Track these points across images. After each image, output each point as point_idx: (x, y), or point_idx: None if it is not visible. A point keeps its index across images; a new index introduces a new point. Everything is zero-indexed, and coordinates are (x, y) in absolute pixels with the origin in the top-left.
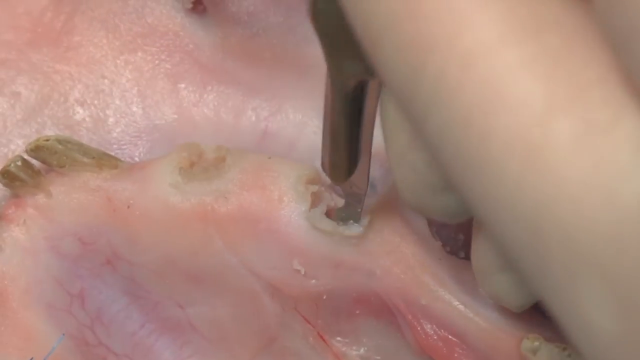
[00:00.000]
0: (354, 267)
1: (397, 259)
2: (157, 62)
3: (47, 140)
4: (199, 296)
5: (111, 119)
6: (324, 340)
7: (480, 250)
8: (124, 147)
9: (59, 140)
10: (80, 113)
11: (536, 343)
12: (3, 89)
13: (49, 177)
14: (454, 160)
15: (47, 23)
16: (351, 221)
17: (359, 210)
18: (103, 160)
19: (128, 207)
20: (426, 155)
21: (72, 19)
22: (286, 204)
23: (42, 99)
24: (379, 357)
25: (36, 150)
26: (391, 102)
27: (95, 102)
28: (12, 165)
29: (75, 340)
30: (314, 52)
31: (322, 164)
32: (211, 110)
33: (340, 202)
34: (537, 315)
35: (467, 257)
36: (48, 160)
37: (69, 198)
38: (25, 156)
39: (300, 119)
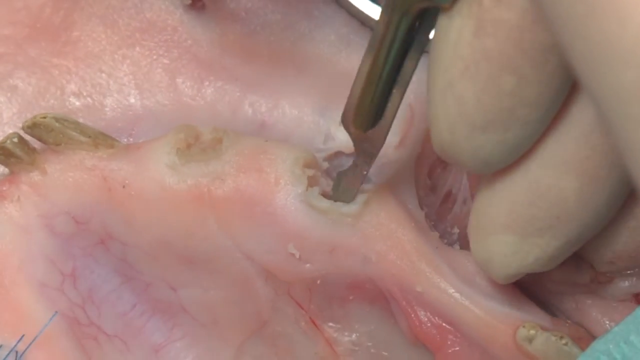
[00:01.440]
0: (349, 252)
1: (393, 244)
2: (155, 57)
3: (44, 117)
4: (192, 278)
5: (108, 110)
6: (315, 325)
7: (485, 207)
8: (121, 134)
9: (56, 118)
10: (76, 104)
11: (532, 331)
12: (0, 83)
13: (45, 155)
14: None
15: (46, 18)
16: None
17: (356, 190)
18: (99, 140)
19: (123, 187)
20: (477, 87)
21: (71, 15)
22: (282, 186)
23: (38, 92)
24: (370, 344)
25: (33, 127)
26: (455, 25)
27: (93, 94)
28: (8, 141)
29: (66, 319)
30: (312, 49)
31: (345, 113)
32: (208, 105)
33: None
34: (533, 305)
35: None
36: (44, 138)
37: (64, 176)
38: (22, 133)
39: (296, 115)
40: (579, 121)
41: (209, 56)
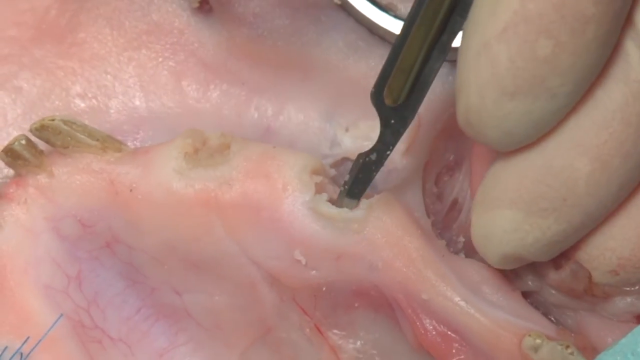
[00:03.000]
0: (355, 259)
1: (399, 252)
2: (161, 59)
3: (53, 120)
4: (197, 283)
5: (113, 112)
6: (320, 332)
7: (494, 181)
8: (126, 137)
9: (64, 121)
10: (81, 106)
11: (538, 341)
12: (5, 84)
13: (52, 158)
14: None
15: (52, 20)
16: (350, 201)
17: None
18: (107, 143)
19: (130, 190)
20: (512, 50)
21: (77, 16)
22: (290, 193)
23: (43, 94)
24: (375, 351)
25: (41, 129)
26: None
27: (98, 96)
28: (16, 143)
29: (71, 322)
30: (319, 55)
31: (377, 84)
32: (214, 108)
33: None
34: (538, 314)
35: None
36: (52, 141)
37: (71, 179)
38: (30, 135)
39: (302, 120)
40: (602, 105)
41: (215, 60)
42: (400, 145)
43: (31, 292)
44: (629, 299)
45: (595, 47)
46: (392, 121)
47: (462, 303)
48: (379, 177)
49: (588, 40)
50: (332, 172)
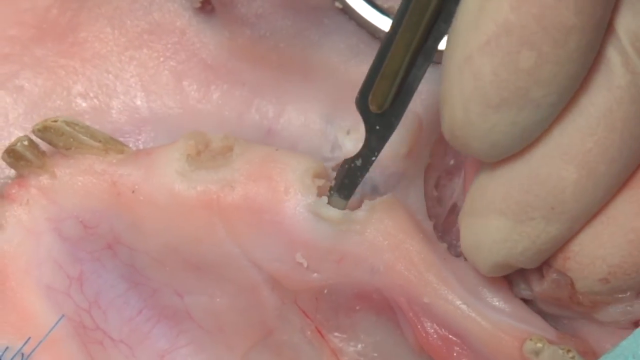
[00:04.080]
0: (357, 262)
1: (401, 255)
2: (162, 59)
3: (55, 121)
4: (199, 285)
5: (114, 112)
6: (321, 335)
7: (481, 191)
8: (127, 137)
9: (67, 122)
10: (82, 105)
11: (539, 344)
12: (6, 83)
13: (54, 159)
14: None
15: (53, 19)
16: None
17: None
18: (109, 145)
19: (133, 192)
20: (495, 62)
21: (79, 16)
22: (292, 196)
23: (44, 93)
24: (375, 354)
25: (43, 130)
26: None
27: (99, 95)
28: (19, 144)
29: (72, 322)
30: (320, 57)
31: (362, 90)
32: (215, 108)
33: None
34: (539, 318)
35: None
36: (54, 142)
37: (73, 180)
38: (32, 136)
39: (303, 122)
40: (586, 112)
41: (216, 60)
42: (402, 149)
43: (33, 292)
44: (621, 306)
45: (577, 56)
46: (378, 127)
47: (464, 306)
48: (381, 180)
49: (570, 51)
50: (334, 175)
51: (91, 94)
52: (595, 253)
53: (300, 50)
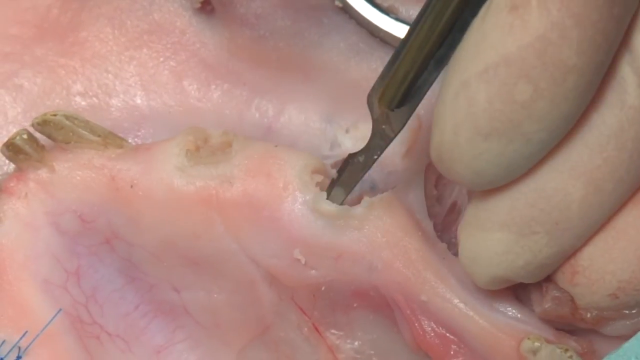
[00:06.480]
0: (355, 259)
1: (399, 252)
2: (162, 59)
3: (55, 115)
4: (196, 281)
5: (113, 109)
6: (318, 332)
7: (486, 203)
8: (127, 134)
9: (67, 116)
10: (82, 104)
11: (537, 344)
12: (6, 82)
13: (53, 153)
14: None
15: (53, 18)
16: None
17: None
18: (109, 139)
19: (131, 187)
20: (491, 91)
21: (79, 15)
22: (291, 192)
23: (44, 92)
24: (372, 352)
25: (43, 124)
26: (484, 27)
27: (99, 94)
28: (18, 138)
29: (69, 317)
30: (320, 57)
31: (374, 88)
32: (215, 107)
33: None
34: (536, 318)
35: None
36: (53, 135)
37: (72, 174)
38: (31, 130)
39: (303, 121)
40: (596, 129)
41: (216, 60)
42: (401, 148)
43: (30, 286)
44: (628, 322)
45: (574, 96)
46: (383, 126)
47: (461, 305)
48: (379, 178)
49: (567, 90)
50: (333, 172)
51: (90, 93)
52: (606, 268)
53: (300, 50)
